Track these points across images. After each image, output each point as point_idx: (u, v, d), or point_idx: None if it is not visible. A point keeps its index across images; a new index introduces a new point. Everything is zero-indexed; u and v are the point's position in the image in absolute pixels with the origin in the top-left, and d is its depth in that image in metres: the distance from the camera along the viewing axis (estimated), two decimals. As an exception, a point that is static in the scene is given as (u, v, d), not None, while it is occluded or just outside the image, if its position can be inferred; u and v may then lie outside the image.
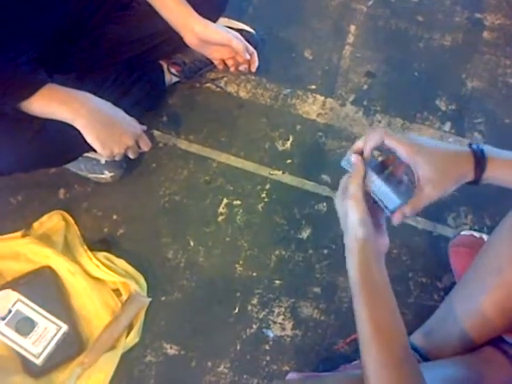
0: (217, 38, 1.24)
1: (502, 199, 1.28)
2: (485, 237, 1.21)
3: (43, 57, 1.18)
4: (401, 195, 0.83)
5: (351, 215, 0.80)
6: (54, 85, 1.03)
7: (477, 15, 1.62)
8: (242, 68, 1.34)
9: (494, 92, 1.50)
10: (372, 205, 0.83)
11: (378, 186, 0.83)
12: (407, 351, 0.78)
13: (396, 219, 0.84)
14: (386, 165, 0.87)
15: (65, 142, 1.16)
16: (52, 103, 1.02)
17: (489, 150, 0.80)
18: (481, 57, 1.55)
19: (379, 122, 1.45)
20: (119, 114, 1.12)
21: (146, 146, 1.18)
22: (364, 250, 0.79)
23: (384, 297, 0.80)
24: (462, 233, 1.23)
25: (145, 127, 1.19)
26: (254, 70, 1.34)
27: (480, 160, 0.79)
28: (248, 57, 1.29)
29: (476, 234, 1.22)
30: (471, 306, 0.99)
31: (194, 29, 1.20)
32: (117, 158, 1.14)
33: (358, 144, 0.85)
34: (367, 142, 0.83)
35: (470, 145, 0.81)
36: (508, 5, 1.62)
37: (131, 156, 1.17)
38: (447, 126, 1.45)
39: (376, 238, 0.81)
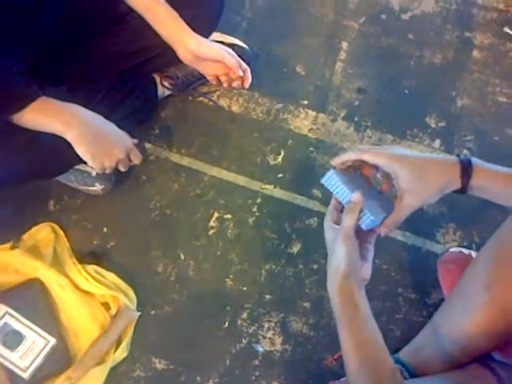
0: (210, 54, 1.24)
1: (490, 216, 1.30)
2: (473, 254, 1.22)
3: (35, 68, 1.18)
4: (376, 210, 0.85)
5: (338, 249, 0.82)
6: (46, 98, 1.03)
7: (467, 34, 1.64)
8: (235, 84, 1.35)
9: (484, 110, 1.52)
10: (362, 231, 0.85)
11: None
12: (393, 373, 0.78)
13: (382, 233, 0.88)
14: (365, 176, 0.91)
15: (56, 155, 1.16)
16: (44, 116, 1.02)
17: (476, 160, 0.83)
18: (470, 75, 1.57)
19: (370, 137, 1.46)
20: (110, 127, 1.13)
21: (136, 159, 1.18)
22: (346, 282, 0.80)
23: (365, 323, 0.80)
24: (451, 249, 1.24)
25: (136, 140, 1.19)
26: (247, 86, 1.35)
27: (467, 167, 0.81)
28: (241, 73, 1.30)
29: (465, 251, 1.22)
30: (459, 323, 0.99)
31: (187, 44, 1.21)
32: (107, 171, 1.14)
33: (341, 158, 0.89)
34: (342, 157, 0.89)
35: (458, 155, 0.84)
36: (497, 24, 1.65)
37: (122, 169, 1.17)
38: (437, 143, 1.46)
39: (360, 268, 0.83)
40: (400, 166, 0.83)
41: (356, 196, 0.84)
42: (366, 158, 0.86)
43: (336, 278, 0.81)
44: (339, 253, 0.81)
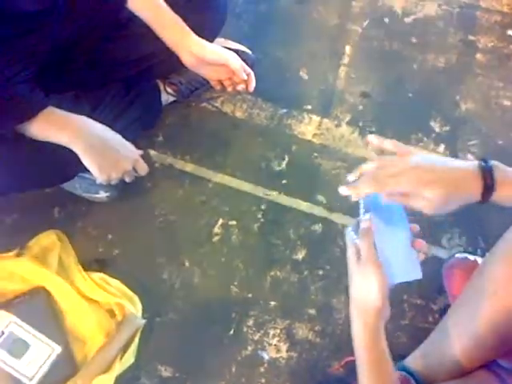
0: (214, 58, 1.24)
1: (496, 221, 1.29)
2: (479, 260, 1.22)
3: (40, 76, 1.19)
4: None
5: (371, 281, 0.81)
6: (52, 108, 1.03)
7: (470, 37, 1.63)
8: (239, 88, 1.34)
9: (488, 114, 1.51)
10: None
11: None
12: None
13: None
14: None
15: (61, 163, 1.16)
16: (50, 127, 1.02)
17: (498, 170, 0.77)
18: (474, 78, 1.57)
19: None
20: (117, 138, 1.12)
21: (142, 170, 1.18)
22: (376, 319, 0.81)
23: (386, 366, 0.82)
24: (457, 255, 1.24)
25: (141, 152, 1.19)
26: (251, 90, 1.34)
27: (489, 185, 0.77)
28: (245, 77, 1.29)
29: (470, 257, 1.22)
30: (465, 330, 0.99)
31: (191, 48, 1.21)
32: (113, 182, 1.14)
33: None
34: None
35: (480, 164, 0.78)
36: (500, 27, 1.64)
37: (127, 180, 1.16)
38: (441, 148, 1.46)
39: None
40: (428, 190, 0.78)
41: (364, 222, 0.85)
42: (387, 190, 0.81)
43: (366, 313, 0.81)
44: (372, 284, 0.80)
